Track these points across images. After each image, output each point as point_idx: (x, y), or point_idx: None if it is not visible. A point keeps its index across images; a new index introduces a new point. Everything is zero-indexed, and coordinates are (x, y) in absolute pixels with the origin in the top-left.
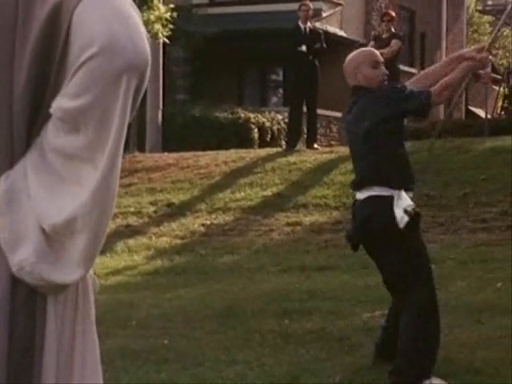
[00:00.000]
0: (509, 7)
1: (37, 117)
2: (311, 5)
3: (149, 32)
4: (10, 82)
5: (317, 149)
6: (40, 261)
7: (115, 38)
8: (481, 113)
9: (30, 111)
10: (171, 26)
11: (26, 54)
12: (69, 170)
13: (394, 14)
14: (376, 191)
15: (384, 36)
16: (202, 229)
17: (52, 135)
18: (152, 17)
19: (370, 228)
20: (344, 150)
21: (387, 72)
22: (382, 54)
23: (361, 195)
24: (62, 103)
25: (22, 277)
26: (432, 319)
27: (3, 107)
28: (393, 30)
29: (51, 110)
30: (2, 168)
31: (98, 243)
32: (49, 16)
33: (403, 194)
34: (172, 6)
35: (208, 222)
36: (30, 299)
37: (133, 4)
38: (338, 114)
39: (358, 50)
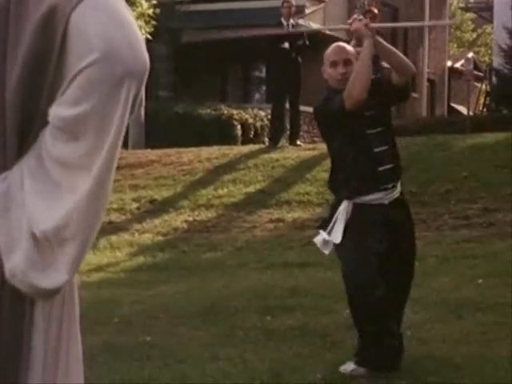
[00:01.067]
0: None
1: (32, 119)
2: (294, 1)
3: None
4: (1, 77)
5: (300, 145)
6: (29, 268)
7: (114, 45)
8: (463, 110)
9: (25, 110)
10: (154, 23)
11: (20, 52)
12: (66, 178)
13: (376, 11)
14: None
15: None
16: (185, 225)
17: (50, 144)
18: (134, 13)
19: None
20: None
21: (344, 71)
22: None
23: None
24: (60, 111)
25: (15, 283)
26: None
27: None
28: None
29: (49, 119)
30: None
31: (85, 250)
32: (43, 17)
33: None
34: (155, 2)
35: (191, 219)
36: (17, 301)
37: (128, 8)
38: None
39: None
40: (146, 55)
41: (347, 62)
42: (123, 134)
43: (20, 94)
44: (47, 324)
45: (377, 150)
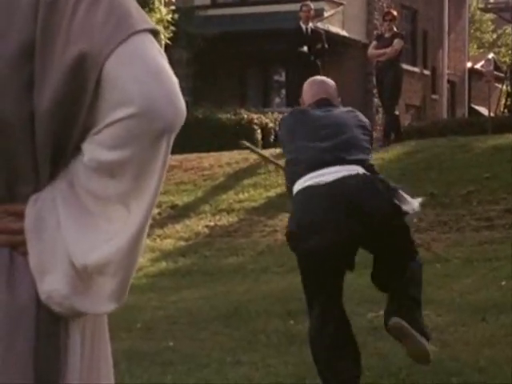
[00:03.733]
0: None
1: (65, 148)
2: (312, 5)
3: None
4: (28, 105)
5: None
6: (71, 293)
7: (153, 99)
8: (484, 111)
9: (57, 138)
10: (173, 28)
11: (48, 88)
12: (99, 207)
13: (395, 13)
14: None
15: (386, 35)
16: (206, 230)
17: (83, 177)
18: (153, 19)
19: None
20: None
21: None
22: (384, 53)
23: None
24: (96, 154)
25: (50, 305)
26: (316, 348)
27: (24, 133)
28: (395, 29)
29: (84, 157)
30: (26, 194)
31: (127, 282)
32: (73, 64)
33: None
34: (173, 8)
35: (212, 224)
36: (53, 320)
37: (161, 51)
38: None
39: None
40: (183, 105)
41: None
42: (163, 178)
43: (50, 124)
44: (81, 344)
45: None
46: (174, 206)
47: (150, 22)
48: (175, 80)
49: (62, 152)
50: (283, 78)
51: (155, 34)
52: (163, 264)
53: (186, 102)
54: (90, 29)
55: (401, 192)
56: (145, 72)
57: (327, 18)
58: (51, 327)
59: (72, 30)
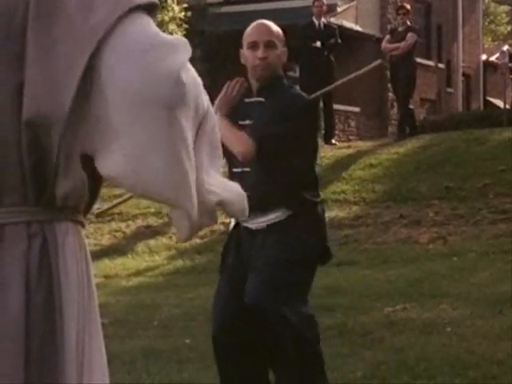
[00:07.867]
0: None
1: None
2: (325, 0)
3: (163, 32)
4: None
5: (335, 144)
6: None
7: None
8: (499, 103)
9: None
10: (186, 26)
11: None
12: None
13: (409, 6)
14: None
15: (400, 29)
16: (222, 227)
17: None
18: (166, 17)
19: None
20: (362, 145)
21: (264, 56)
22: (398, 47)
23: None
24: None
25: None
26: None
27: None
28: (408, 23)
29: None
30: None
31: None
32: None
33: None
34: (186, 5)
35: (228, 221)
36: (48, 317)
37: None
38: (356, 109)
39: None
40: (168, 78)
41: (270, 45)
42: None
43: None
44: (76, 342)
45: (236, 170)
46: None
47: None
48: (164, 64)
49: (47, 156)
50: (297, 74)
51: (154, 7)
52: (179, 262)
53: None
54: (89, 4)
55: None
56: (139, 67)
57: (340, 13)
58: (47, 326)
59: (70, 5)
